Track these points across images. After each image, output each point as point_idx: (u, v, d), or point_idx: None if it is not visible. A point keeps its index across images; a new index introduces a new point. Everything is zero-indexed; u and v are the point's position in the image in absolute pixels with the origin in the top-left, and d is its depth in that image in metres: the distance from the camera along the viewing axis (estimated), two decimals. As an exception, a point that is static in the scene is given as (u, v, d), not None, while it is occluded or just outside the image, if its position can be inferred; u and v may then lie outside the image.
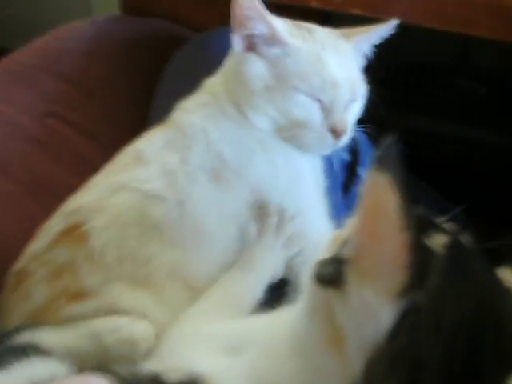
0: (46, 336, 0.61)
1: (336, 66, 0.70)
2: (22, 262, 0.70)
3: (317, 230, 0.71)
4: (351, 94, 0.71)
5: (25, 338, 0.59)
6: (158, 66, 1.03)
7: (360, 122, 0.77)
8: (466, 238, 0.46)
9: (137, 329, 0.62)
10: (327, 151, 0.75)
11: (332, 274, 0.44)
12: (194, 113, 0.72)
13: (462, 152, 1.29)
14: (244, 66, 0.70)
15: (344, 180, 0.92)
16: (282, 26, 0.70)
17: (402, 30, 0.75)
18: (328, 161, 0.82)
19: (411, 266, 0.41)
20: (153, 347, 0.62)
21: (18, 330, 0.61)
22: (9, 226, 0.88)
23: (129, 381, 0.50)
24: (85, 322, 0.63)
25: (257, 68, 0.70)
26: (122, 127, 1.05)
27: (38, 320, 0.64)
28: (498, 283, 0.44)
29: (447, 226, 0.47)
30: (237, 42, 0.70)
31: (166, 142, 0.71)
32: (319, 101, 0.70)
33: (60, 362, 0.54)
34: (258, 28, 0.68)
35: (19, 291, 0.67)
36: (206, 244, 0.68)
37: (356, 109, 0.74)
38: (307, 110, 0.69)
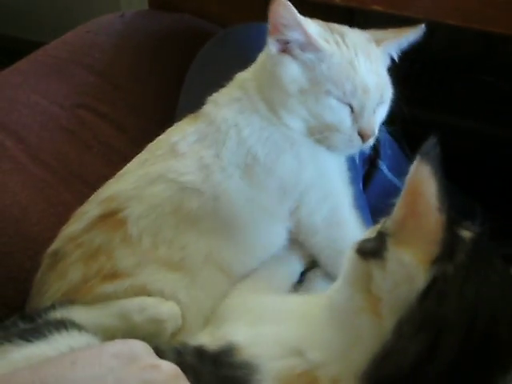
0: (77, 313, 0.64)
1: (367, 71, 0.71)
2: (56, 243, 0.73)
3: (344, 222, 0.74)
4: (380, 98, 0.73)
5: (61, 313, 0.63)
6: (185, 60, 1.05)
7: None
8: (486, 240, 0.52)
9: (164, 308, 0.65)
10: (354, 152, 0.77)
11: (374, 247, 0.51)
12: (226, 107, 0.74)
13: (486, 148, 1.29)
14: (279, 67, 0.71)
15: (364, 173, 0.94)
16: (316, 30, 0.72)
17: (425, 25, 0.75)
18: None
19: (444, 241, 0.48)
20: (179, 326, 0.65)
21: (54, 306, 0.65)
22: (42, 212, 0.91)
23: (171, 351, 0.55)
24: (114, 301, 0.66)
25: (292, 71, 0.71)
26: (149, 119, 1.08)
27: (71, 298, 0.67)
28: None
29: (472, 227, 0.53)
30: (272, 44, 0.71)
31: (199, 135, 0.73)
32: (350, 105, 0.71)
33: (94, 336, 0.57)
34: (294, 36, 0.70)
35: (55, 271, 0.70)
36: (239, 237, 0.70)
37: (383, 111, 0.76)
38: (338, 113, 0.71)
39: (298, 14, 0.69)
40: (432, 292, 0.47)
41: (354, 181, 0.83)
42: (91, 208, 0.72)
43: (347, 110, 0.71)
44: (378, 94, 0.72)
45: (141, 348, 0.50)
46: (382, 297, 0.49)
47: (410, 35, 0.75)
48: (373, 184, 0.95)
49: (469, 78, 1.33)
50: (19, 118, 1.01)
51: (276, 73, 0.72)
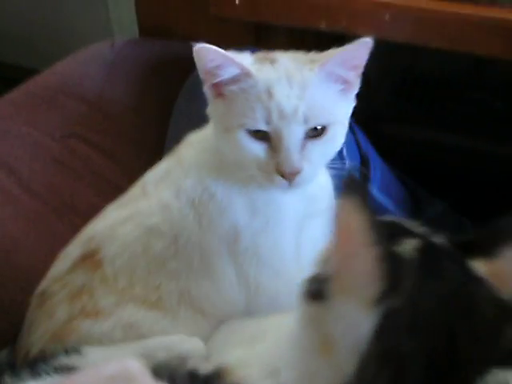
0: (93, 355, 0.63)
1: (288, 96, 0.64)
2: (44, 284, 0.74)
3: (285, 276, 0.71)
4: (310, 130, 0.65)
5: (72, 360, 0.61)
6: (176, 88, 1.05)
7: (372, 135, 0.78)
8: (439, 238, 0.50)
9: (189, 346, 0.65)
10: (288, 192, 0.68)
11: (317, 291, 0.49)
12: (195, 144, 0.75)
13: (477, 165, 1.30)
14: (212, 109, 0.69)
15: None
16: (249, 61, 0.67)
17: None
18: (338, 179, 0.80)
19: (384, 275, 0.46)
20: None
21: (66, 350, 0.63)
22: (34, 243, 0.92)
23: (165, 372, 0.54)
24: (134, 341, 0.66)
25: (218, 109, 0.68)
26: (140, 147, 1.09)
27: (59, 338, 0.68)
28: (470, 276, 0.48)
29: (420, 229, 0.51)
30: (207, 91, 0.68)
31: (165, 173, 0.74)
32: (265, 140, 0.65)
33: None
34: (229, 71, 0.65)
35: (43, 310, 0.71)
36: (201, 278, 0.70)
37: (322, 147, 0.66)
38: (250, 149, 0.65)
39: (224, 52, 0.64)
40: (385, 330, 0.45)
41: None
42: (73, 249, 0.74)
43: (262, 145, 0.65)
44: (303, 123, 0.64)
45: (136, 369, 0.51)
46: (335, 340, 0.48)
47: (354, 51, 0.65)
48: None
49: (461, 96, 1.34)
50: (10, 150, 1.02)
51: (211, 115, 0.70)
